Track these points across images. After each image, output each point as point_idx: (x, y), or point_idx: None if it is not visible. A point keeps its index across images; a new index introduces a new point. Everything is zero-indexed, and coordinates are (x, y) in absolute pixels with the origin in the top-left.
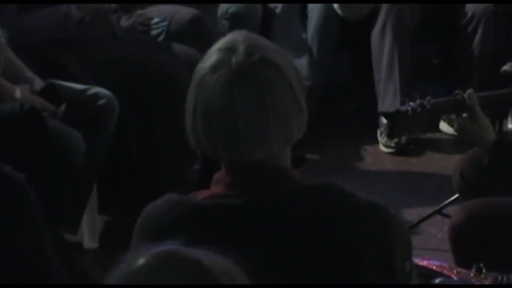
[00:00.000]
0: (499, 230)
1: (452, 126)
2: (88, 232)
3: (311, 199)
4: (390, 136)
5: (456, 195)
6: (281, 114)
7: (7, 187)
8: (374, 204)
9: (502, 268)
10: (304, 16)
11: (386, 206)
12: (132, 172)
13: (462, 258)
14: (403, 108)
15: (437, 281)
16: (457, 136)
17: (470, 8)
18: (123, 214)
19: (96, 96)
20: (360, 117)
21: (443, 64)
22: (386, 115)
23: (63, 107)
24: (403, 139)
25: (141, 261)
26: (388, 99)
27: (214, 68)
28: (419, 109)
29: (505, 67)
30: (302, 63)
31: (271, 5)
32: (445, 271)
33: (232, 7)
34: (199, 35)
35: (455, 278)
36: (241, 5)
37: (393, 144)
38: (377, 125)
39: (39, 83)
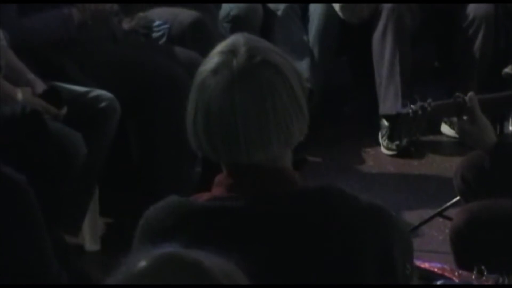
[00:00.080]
0: (500, 232)
1: (453, 128)
2: (89, 234)
3: (312, 201)
4: (391, 138)
5: (457, 198)
6: (282, 116)
7: (8, 188)
8: (375, 206)
9: (503, 270)
10: (305, 18)
11: (387, 208)
12: (133, 175)
13: (463, 260)
14: (404, 110)
15: (438, 283)
16: (458, 138)
17: (471, 11)
18: (124, 216)
19: (98, 99)
20: (361, 119)
21: (444, 67)
22: (387, 117)
23: (64, 110)
24: (404, 141)
25: (142, 263)
26: (389, 101)
27: (215, 70)
28: (420, 112)
29: (507, 70)
30: (303, 65)
31: (272, 8)
32: (446, 273)
33: (234, 10)
34: (201, 38)
35: (456, 280)
36: (242, 8)
37: (394, 146)
38: (378, 127)
39: (40, 85)
